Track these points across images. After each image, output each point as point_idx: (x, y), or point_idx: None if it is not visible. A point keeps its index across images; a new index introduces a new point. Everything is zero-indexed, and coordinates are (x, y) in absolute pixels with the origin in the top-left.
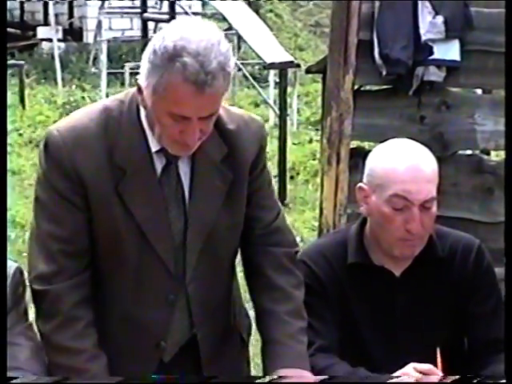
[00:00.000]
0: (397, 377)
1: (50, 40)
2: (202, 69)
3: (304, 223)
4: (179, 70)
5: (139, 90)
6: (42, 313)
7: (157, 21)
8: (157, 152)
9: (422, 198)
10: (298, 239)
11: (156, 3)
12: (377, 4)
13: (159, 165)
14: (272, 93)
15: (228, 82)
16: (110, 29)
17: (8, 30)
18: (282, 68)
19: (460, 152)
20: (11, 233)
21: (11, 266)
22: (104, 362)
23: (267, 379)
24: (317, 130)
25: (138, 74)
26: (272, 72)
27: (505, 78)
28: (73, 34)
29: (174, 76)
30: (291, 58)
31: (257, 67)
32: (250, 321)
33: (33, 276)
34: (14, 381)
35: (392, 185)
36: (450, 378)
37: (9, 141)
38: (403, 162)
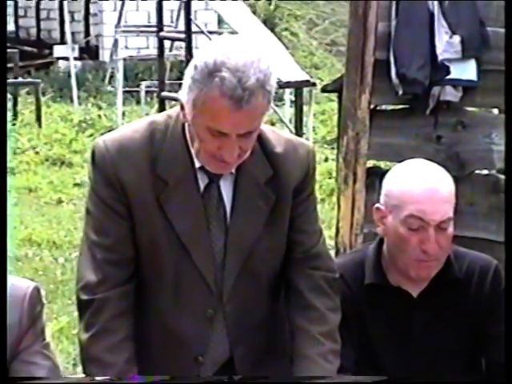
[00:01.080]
0: None
1: (67, 58)
2: (240, 84)
3: None
4: (217, 84)
5: (182, 106)
6: (83, 323)
7: (173, 39)
8: (200, 168)
9: (437, 218)
10: None
11: (172, 22)
12: (393, 23)
13: (202, 182)
14: (288, 111)
15: (268, 100)
16: (126, 47)
17: (25, 48)
18: (298, 87)
19: (477, 172)
20: (28, 251)
21: (29, 285)
22: None
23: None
24: (332, 148)
25: (153, 92)
26: (287, 91)
27: (504, 95)
28: (89, 52)
29: (212, 90)
30: (307, 77)
31: None
32: None
33: (79, 286)
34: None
35: (408, 205)
36: None
37: (25, 159)
38: (420, 183)
